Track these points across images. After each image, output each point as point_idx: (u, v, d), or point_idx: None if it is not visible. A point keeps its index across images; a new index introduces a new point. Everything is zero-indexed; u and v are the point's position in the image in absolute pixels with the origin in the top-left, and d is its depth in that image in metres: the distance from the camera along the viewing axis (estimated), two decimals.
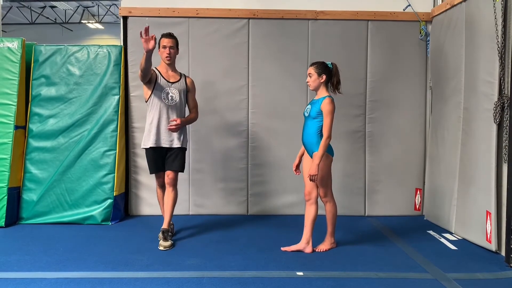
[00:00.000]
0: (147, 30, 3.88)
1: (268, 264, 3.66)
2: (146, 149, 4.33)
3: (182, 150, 4.33)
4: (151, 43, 3.89)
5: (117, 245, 4.17)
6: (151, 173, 4.44)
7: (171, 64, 4.34)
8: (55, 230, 4.65)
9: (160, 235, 4.15)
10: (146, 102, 4.32)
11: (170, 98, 4.26)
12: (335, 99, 3.97)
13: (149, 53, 3.91)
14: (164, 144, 4.25)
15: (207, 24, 5.31)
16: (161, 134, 4.24)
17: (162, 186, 4.48)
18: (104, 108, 5.07)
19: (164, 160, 4.31)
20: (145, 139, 4.30)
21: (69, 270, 3.49)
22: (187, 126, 4.51)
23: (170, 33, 4.34)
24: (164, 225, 4.20)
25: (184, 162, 4.38)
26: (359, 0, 5.34)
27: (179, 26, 5.23)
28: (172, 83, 4.30)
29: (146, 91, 4.28)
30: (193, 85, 4.47)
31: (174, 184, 4.31)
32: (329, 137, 3.86)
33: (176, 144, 4.27)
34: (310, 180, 3.86)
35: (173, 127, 4.17)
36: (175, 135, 4.26)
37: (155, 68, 4.31)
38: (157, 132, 4.23)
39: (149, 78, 4.18)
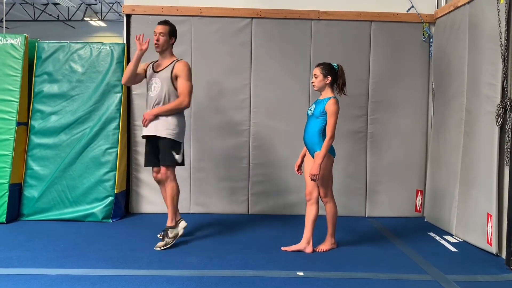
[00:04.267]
0: (142, 37, 4.08)
1: (268, 264, 3.66)
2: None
3: (170, 141, 4.05)
4: (145, 45, 4.05)
5: (118, 242, 4.17)
6: (144, 165, 4.39)
7: (162, 52, 4.14)
8: (56, 227, 4.65)
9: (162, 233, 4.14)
10: None
11: (153, 88, 4.13)
12: (339, 98, 3.98)
13: (140, 53, 4.05)
14: (148, 132, 4.11)
15: (210, 23, 5.31)
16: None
17: (158, 182, 4.36)
18: (106, 106, 5.08)
19: (155, 153, 4.19)
20: None
21: (70, 267, 3.50)
22: (186, 121, 4.29)
23: (165, 20, 4.21)
24: (167, 222, 4.14)
25: (171, 156, 4.06)
26: (363, 1, 5.34)
27: (182, 24, 5.22)
28: (157, 72, 4.14)
29: None
30: (181, 68, 4.08)
31: (166, 178, 4.12)
32: (333, 137, 3.86)
33: (160, 133, 4.04)
34: (312, 179, 3.86)
35: (143, 123, 4.13)
36: (157, 123, 4.07)
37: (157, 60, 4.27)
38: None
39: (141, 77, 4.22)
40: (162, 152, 4.10)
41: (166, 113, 4.08)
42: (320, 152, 3.86)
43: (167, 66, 4.13)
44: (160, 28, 4.10)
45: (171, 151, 4.08)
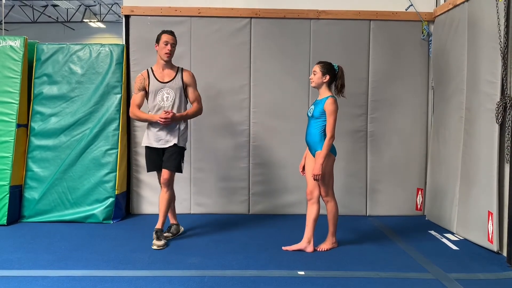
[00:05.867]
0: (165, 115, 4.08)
1: (270, 264, 3.66)
2: (145, 146, 4.30)
3: (178, 148, 4.19)
4: (163, 121, 4.08)
5: (119, 243, 4.17)
6: (147, 171, 4.39)
7: (169, 62, 4.24)
8: (56, 229, 4.65)
9: (154, 234, 4.11)
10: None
11: (165, 99, 4.18)
12: (337, 99, 3.98)
13: (156, 120, 4.11)
14: (161, 145, 4.18)
15: (209, 23, 5.31)
16: (159, 135, 4.16)
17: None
18: (106, 107, 5.08)
19: (162, 159, 4.22)
20: (144, 138, 4.29)
21: (71, 268, 3.50)
22: (188, 124, 4.43)
23: (171, 31, 4.29)
24: (158, 225, 4.15)
25: (180, 162, 4.24)
26: None
27: (181, 25, 5.23)
28: (166, 83, 4.20)
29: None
30: (191, 78, 4.30)
31: (168, 184, 4.19)
32: (333, 136, 3.86)
33: (172, 142, 4.15)
34: (314, 179, 3.87)
35: (163, 120, 4.06)
36: (171, 134, 4.15)
37: (150, 68, 4.26)
38: (155, 134, 4.17)
39: (143, 88, 4.25)
40: (170, 157, 4.17)
41: (187, 118, 4.30)
42: (321, 151, 3.86)
43: (175, 76, 4.24)
44: (172, 39, 4.21)
45: (179, 157, 4.22)
